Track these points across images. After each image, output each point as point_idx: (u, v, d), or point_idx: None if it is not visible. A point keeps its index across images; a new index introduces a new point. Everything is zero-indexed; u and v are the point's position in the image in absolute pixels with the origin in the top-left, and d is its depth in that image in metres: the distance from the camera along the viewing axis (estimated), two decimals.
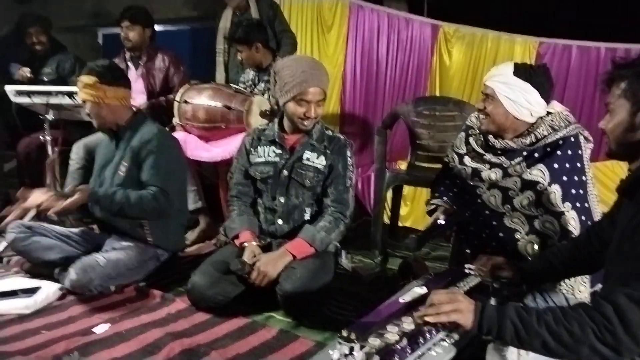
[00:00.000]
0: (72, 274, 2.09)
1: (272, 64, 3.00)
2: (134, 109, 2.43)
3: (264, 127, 2.27)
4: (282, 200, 2.16)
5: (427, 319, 1.25)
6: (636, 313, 1.04)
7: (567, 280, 1.74)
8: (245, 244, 2.08)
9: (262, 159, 2.20)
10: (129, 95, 2.35)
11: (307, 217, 2.18)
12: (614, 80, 1.22)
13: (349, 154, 2.18)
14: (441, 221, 1.93)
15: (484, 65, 3.53)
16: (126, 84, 2.34)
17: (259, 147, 2.23)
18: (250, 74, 3.15)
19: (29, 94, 2.77)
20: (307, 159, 2.15)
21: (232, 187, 2.28)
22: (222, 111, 2.79)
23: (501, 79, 1.78)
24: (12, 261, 2.54)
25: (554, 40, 3.39)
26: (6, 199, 3.53)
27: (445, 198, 2.02)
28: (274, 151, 2.19)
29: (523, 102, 1.77)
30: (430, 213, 2.07)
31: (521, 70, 1.78)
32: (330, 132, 2.23)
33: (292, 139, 2.19)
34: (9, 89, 2.85)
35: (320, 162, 2.15)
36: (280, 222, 2.17)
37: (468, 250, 2.05)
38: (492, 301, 1.45)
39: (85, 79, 2.23)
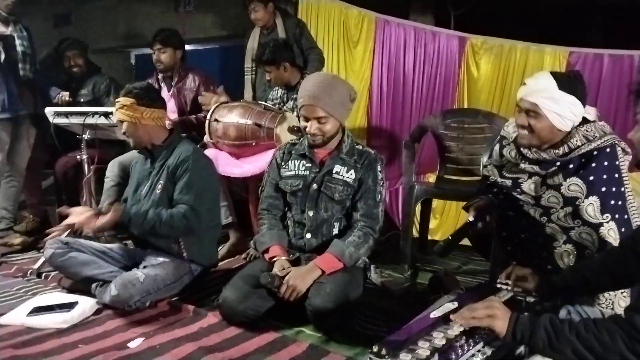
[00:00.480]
0: (113, 289, 2.14)
1: (301, 81, 3.06)
2: (170, 127, 2.49)
3: (295, 142, 2.30)
4: (310, 214, 2.18)
5: (459, 320, 1.27)
6: None
7: (606, 295, 1.70)
8: (275, 258, 2.10)
9: (292, 173, 2.23)
10: (164, 115, 2.43)
11: (335, 231, 2.18)
12: None
13: (379, 168, 2.18)
14: (470, 217, 1.88)
15: (513, 77, 3.50)
16: (162, 105, 2.43)
17: (289, 161, 2.26)
18: (279, 91, 3.20)
19: (66, 114, 2.89)
20: (337, 173, 2.16)
21: (262, 200, 2.31)
22: (253, 128, 2.84)
23: (546, 94, 1.73)
24: (50, 277, 2.62)
25: (585, 49, 3.33)
26: (45, 216, 3.67)
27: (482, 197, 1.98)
28: (304, 165, 2.22)
29: (570, 115, 1.74)
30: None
31: (565, 83, 1.73)
32: (360, 147, 2.24)
33: (322, 153, 2.21)
34: (48, 110, 2.97)
35: (349, 176, 2.16)
36: (309, 236, 2.19)
37: (514, 263, 2.01)
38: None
39: (123, 100, 2.31)
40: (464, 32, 3.71)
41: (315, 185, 2.17)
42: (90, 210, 2.26)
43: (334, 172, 2.16)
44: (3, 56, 2.98)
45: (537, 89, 1.75)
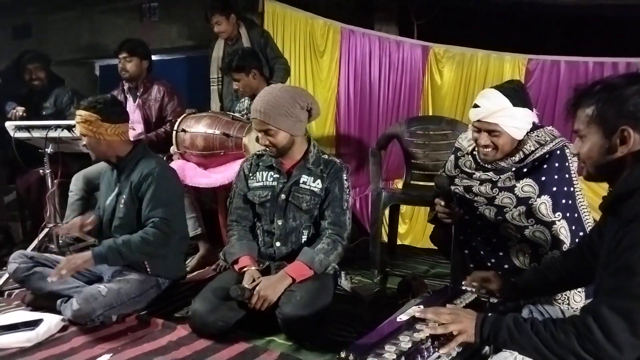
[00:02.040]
0: (75, 304, 2.10)
1: None
2: (133, 139, 2.46)
3: (262, 153, 2.31)
4: (279, 223, 2.19)
5: (426, 329, 1.31)
6: (618, 322, 1.09)
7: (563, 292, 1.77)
8: (245, 268, 2.10)
9: (260, 184, 2.24)
10: (127, 129, 2.39)
11: (304, 239, 2.21)
12: (579, 107, 1.26)
13: (344, 177, 2.21)
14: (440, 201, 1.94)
15: (475, 84, 3.60)
16: (126, 118, 2.39)
17: (257, 172, 2.27)
18: (245, 102, 3.21)
19: (28, 128, 2.82)
20: (304, 183, 2.19)
21: (231, 212, 2.31)
22: (221, 138, 2.83)
23: (503, 113, 1.81)
24: (13, 295, 2.55)
25: (542, 56, 3.46)
26: (7, 232, 3.56)
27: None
28: (271, 175, 2.23)
29: (525, 125, 1.85)
30: (433, 222, 2.11)
31: (516, 98, 1.82)
32: (326, 156, 2.27)
33: (289, 164, 2.23)
34: (9, 124, 2.90)
35: (316, 185, 2.19)
36: (278, 244, 2.20)
37: (472, 265, 2.07)
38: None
39: (86, 115, 2.24)
40: (426, 41, 3.80)
41: (283, 196, 2.19)
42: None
43: (301, 182, 2.19)
44: None
45: (494, 109, 1.82)
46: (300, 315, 1.92)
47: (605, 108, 1.21)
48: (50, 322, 2.11)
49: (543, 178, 1.85)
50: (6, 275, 2.57)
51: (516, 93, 1.85)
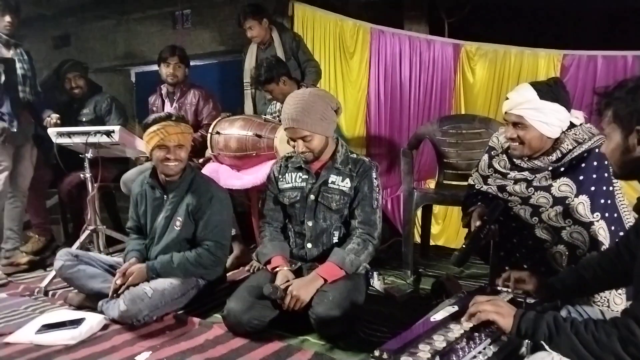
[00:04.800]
0: (122, 305, 2.17)
1: None
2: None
3: (291, 155, 2.34)
4: (310, 224, 2.21)
5: (469, 311, 1.35)
6: None
7: (602, 294, 1.72)
8: (278, 268, 2.13)
9: (289, 185, 2.27)
10: None
11: (335, 239, 2.22)
12: (604, 109, 1.29)
13: (374, 175, 2.21)
14: (478, 222, 1.88)
15: (509, 81, 3.54)
16: None
17: (286, 174, 2.30)
18: (277, 105, 3.25)
19: (69, 134, 2.93)
20: (333, 183, 2.20)
21: (263, 214, 2.35)
22: (253, 140, 2.88)
23: (529, 105, 1.78)
24: (57, 295, 2.65)
25: (578, 52, 3.37)
26: (50, 235, 3.70)
27: (478, 204, 2.01)
28: (300, 177, 2.26)
29: (556, 121, 1.80)
30: (466, 226, 2.05)
31: (545, 92, 1.78)
32: (354, 155, 2.27)
33: (318, 164, 2.25)
34: (51, 131, 3.01)
35: (345, 184, 2.19)
36: (309, 245, 2.22)
37: (507, 267, 2.03)
38: None
39: (184, 127, 2.37)
40: (458, 39, 3.76)
41: (312, 196, 2.20)
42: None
43: (329, 182, 2.20)
44: (3, 78, 3.03)
45: (520, 101, 1.80)
46: (333, 315, 1.93)
47: (621, 108, 1.23)
48: (93, 320, 2.19)
49: (581, 177, 1.79)
50: (51, 275, 2.67)
51: (548, 88, 1.80)
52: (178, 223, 2.38)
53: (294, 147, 2.18)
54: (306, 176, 2.24)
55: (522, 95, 1.81)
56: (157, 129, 2.31)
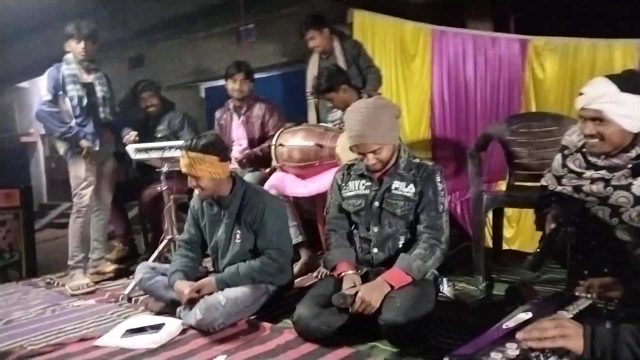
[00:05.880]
0: (198, 314, 2.27)
1: None
2: (231, 173, 2.54)
3: (353, 162, 2.35)
4: (375, 230, 2.21)
5: (530, 344, 1.21)
6: None
7: None
8: (343, 273, 2.14)
9: (353, 193, 2.28)
10: (229, 165, 2.53)
11: (401, 244, 2.20)
12: None
13: (438, 179, 2.18)
14: (552, 225, 1.80)
15: (582, 76, 3.36)
16: (229, 157, 2.53)
17: (349, 182, 2.31)
18: (338, 113, 3.28)
19: (146, 150, 3.11)
20: (396, 189, 2.19)
21: (328, 222, 2.38)
22: (315, 149, 2.93)
23: (609, 99, 1.69)
24: (139, 301, 2.82)
25: None
26: (132, 244, 3.94)
27: (553, 205, 1.92)
28: (363, 184, 2.26)
29: (638, 115, 1.70)
30: (540, 228, 1.96)
31: (625, 84, 1.68)
32: (417, 160, 2.25)
33: (380, 170, 2.24)
34: (130, 147, 3.22)
35: (409, 190, 2.18)
36: (375, 250, 2.22)
37: (586, 271, 1.93)
38: (607, 324, 1.37)
39: (206, 157, 2.34)
40: (524, 34, 3.62)
41: (377, 203, 2.20)
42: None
43: (393, 188, 2.19)
44: (85, 101, 3.28)
45: (598, 95, 1.70)
46: (402, 321, 1.91)
47: None
48: (172, 325, 2.31)
49: None
50: (133, 283, 2.85)
51: (627, 79, 1.70)
52: (238, 236, 2.46)
53: (362, 160, 2.18)
54: (369, 183, 2.25)
55: (599, 89, 1.71)
56: (181, 157, 2.39)
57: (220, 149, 2.40)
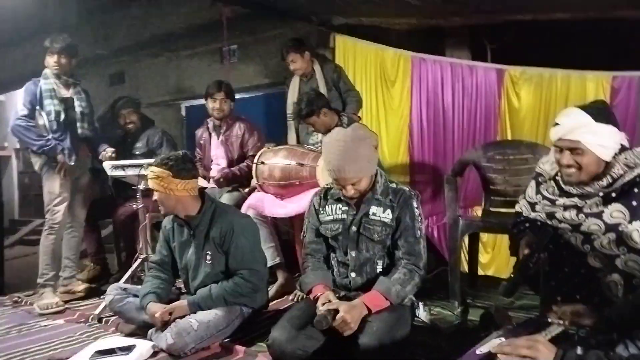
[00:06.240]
0: (169, 338, 2.22)
1: (339, 123, 3.16)
2: (200, 191, 2.52)
3: (330, 186, 2.35)
4: (353, 254, 2.20)
5: (500, 356, 1.25)
6: None
7: None
8: (319, 294, 2.12)
9: (330, 217, 2.26)
10: (197, 185, 2.48)
11: (379, 269, 2.19)
12: None
13: (415, 204, 2.19)
14: (525, 251, 1.82)
15: (556, 105, 3.47)
16: (196, 174, 2.48)
17: (327, 206, 2.29)
18: (319, 136, 3.31)
19: (123, 167, 3.07)
20: (374, 214, 2.18)
21: (305, 246, 2.35)
22: (296, 168, 2.93)
23: (586, 129, 1.74)
24: (110, 322, 2.75)
25: (629, 73, 3.27)
26: (104, 264, 3.85)
27: (526, 232, 1.95)
28: (340, 208, 2.24)
29: (612, 144, 1.76)
30: (514, 254, 1.98)
31: (598, 115, 1.74)
32: (394, 185, 2.25)
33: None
34: (106, 164, 3.18)
35: (386, 216, 2.18)
36: (353, 275, 2.21)
37: (559, 298, 1.96)
38: (579, 350, 1.39)
39: (159, 171, 2.35)
40: (501, 64, 3.72)
41: (354, 228, 2.19)
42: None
43: (370, 213, 2.18)
44: (63, 116, 3.24)
45: (575, 126, 1.75)
46: (377, 345, 1.89)
47: None
48: (142, 347, 2.25)
49: (634, 203, 1.72)
50: (104, 303, 2.78)
51: (599, 110, 1.76)
52: (208, 257, 2.42)
53: (340, 189, 2.17)
54: (346, 208, 2.24)
55: (575, 119, 1.76)
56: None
57: (177, 166, 2.36)
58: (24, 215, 8.87)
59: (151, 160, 2.98)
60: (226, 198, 3.26)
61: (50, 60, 3.25)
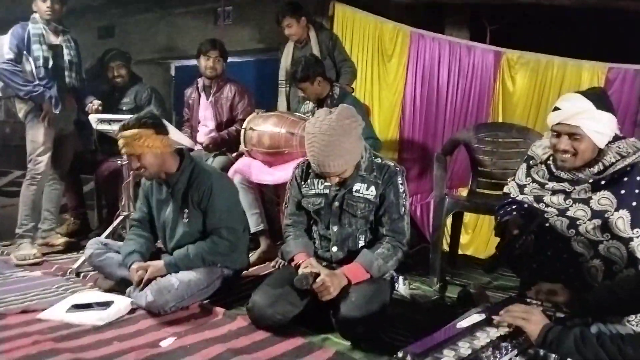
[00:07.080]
0: (149, 295, 2.20)
1: (330, 94, 3.11)
2: (179, 149, 2.47)
3: None
4: (335, 229, 2.18)
5: (494, 316, 1.40)
6: None
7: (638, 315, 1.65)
8: (301, 261, 2.12)
9: (313, 191, 2.23)
10: (173, 141, 2.44)
11: (361, 243, 2.19)
12: None
13: (400, 180, 2.15)
14: (515, 231, 1.82)
15: (550, 92, 3.46)
16: (167, 131, 2.40)
17: (309, 179, 2.25)
18: (310, 105, 3.26)
19: (109, 121, 3.00)
20: (357, 191, 2.14)
21: (286, 217, 2.32)
22: (286, 137, 2.90)
23: (586, 115, 1.74)
24: (88, 277, 2.73)
25: (625, 65, 3.28)
26: (84, 219, 3.81)
27: (513, 214, 1.96)
28: (322, 183, 2.20)
29: (609, 131, 1.76)
30: (499, 234, 1.98)
31: (599, 102, 1.74)
32: (379, 160, 2.19)
33: None
34: (92, 117, 3.10)
35: (370, 192, 2.14)
36: (335, 249, 2.20)
37: (539, 281, 1.99)
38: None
39: (140, 131, 2.24)
40: (499, 46, 3.69)
41: (337, 203, 2.15)
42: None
43: (354, 190, 2.14)
44: (51, 63, 3.14)
45: (576, 111, 1.74)
46: (355, 316, 1.92)
47: None
48: (120, 303, 2.25)
49: (622, 191, 1.74)
50: (83, 258, 2.75)
51: (599, 97, 1.76)
52: (185, 216, 2.38)
53: (326, 179, 2.13)
54: (329, 183, 2.16)
55: (577, 105, 1.76)
56: (119, 139, 2.30)
57: (154, 122, 2.30)
58: (3, 165, 8.69)
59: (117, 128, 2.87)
60: (214, 162, 3.22)
61: (43, 6, 3.13)
